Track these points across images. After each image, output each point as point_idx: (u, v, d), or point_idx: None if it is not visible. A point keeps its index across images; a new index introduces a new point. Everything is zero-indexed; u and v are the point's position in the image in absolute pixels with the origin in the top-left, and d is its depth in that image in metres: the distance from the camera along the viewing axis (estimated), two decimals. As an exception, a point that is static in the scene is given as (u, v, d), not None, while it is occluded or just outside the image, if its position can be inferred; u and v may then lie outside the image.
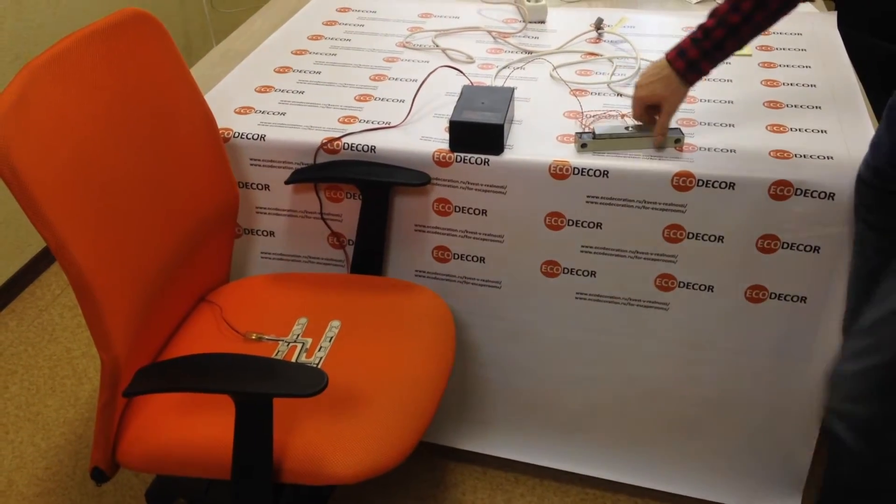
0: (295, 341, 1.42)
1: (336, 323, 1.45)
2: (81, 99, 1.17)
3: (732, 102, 1.59)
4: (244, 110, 1.62)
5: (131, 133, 1.26)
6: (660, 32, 1.90)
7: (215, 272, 1.55)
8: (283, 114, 1.60)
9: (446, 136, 1.49)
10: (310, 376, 1.13)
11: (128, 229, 1.22)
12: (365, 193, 1.53)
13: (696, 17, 1.99)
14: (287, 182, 1.52)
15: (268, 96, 1.67)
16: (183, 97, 1.39)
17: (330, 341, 1.41)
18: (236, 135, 1.54)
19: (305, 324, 1.46)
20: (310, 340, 1.42)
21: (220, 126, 1.54)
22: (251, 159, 1.55)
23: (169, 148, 1.34)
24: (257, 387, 1.13)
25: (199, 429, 1.26)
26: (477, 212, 1.51)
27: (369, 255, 1.58)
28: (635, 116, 1.44)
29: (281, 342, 1.42)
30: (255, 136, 1.53)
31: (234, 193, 1.51)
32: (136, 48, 1.29)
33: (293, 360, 1.38)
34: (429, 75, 1.71)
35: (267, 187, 1.59)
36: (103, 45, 1.23)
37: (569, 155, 1.44)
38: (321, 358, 1.38)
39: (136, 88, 1.28)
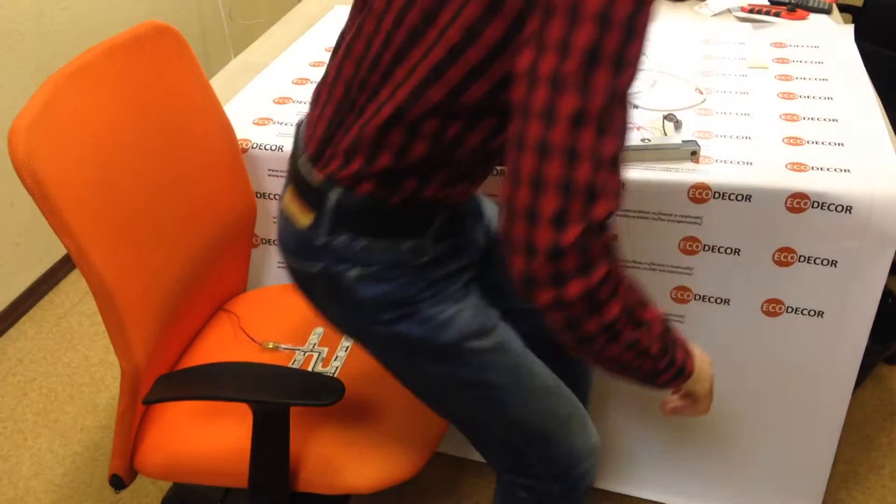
0: (311, 351, 1.43)
1: (353, 333, 1.46)
2: (104, 110, 1.19)
3: (749, 115, 1.59)
4: (262, 121, 1.63)
5: (152, 144, 1.27)
6: (676, 44, 1.90)
7: (233, 281, 1.57)
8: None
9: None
10: (327, 386, 1.13)
11: (149, 239, 1.23)
12: None
13: (713, 28, 1.99)
14: None
15: (286, 108, 1.68)
16: (203, 109, 1.40)
17: (346, 351, 1.42)
18: (255, 146, 1.55)
19: (322, 333, 1.46)
20: (326, 350, 1.43)
21: (238, 137, 1.55)
22: (269, 170, 1.57)
23: (189, 159, 1.35)
24: (274, 395, 1.13)
25: (216, 437, 1.27)
26: (493, 223, 1.51)
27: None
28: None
29: (297, 352, 1.43)
30: (274, 147, 1.54)
31: (251, 204, 1.52)
32: (157, 60, 1.31)
33: (309, 369, 1.39)
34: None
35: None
36: (125, 57, 1.25)
37: (585, 167, 1.44)
38: (337, 367, 1.39)
39: (156, 100, 1.29)
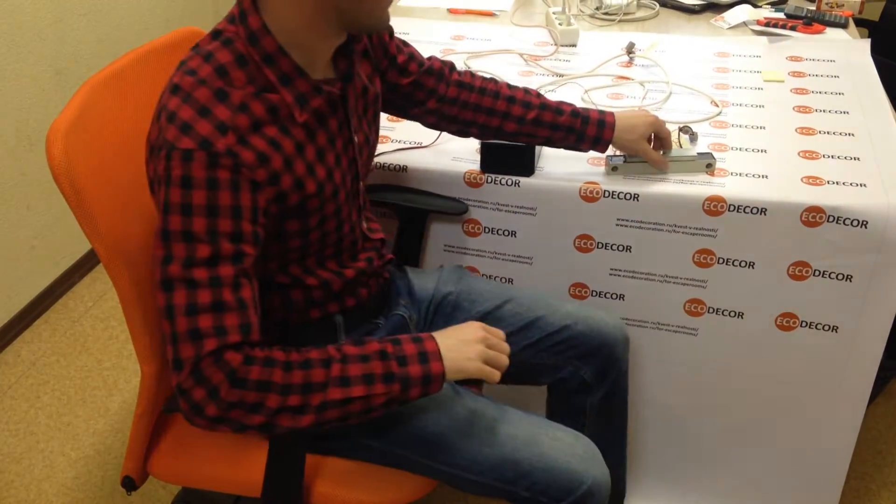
0: None
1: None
2: (138, 114, 1.20)
3: (764, 128, 1.58)
4: (278, 129, 1.64)
5: None
6: (691, 57, 1.90)
7: None
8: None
9: (477, 157, 1.50)
10: None
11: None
12: (402, 218, 1.54)
13: (729, 42, 1.99)
14: None
15: (302, 115, 1.69)
16: None
17: None
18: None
19: None
20: None
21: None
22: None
23: None
24: None
25: (232, 445, 1.27)
26: (506, 233, 1.51)
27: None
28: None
29: None
30: (289, 155, 1.55)
31: None
32: None
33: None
34: (461, 97, 1.72)
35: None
36: (160, 63, 1.26)
37: (599, 178, 1.44)
38: None
39: None
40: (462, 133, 1.43)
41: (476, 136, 1.43)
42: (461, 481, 1.19)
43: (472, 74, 1.41)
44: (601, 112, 1.40)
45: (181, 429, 1.31)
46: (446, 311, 1.38)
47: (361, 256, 1.25)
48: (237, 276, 0.98)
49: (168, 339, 0.97)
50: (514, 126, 1.39)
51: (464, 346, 1.08)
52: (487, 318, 1.36)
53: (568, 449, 1.17)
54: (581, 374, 1.36)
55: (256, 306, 1.01)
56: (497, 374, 1.09)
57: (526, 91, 1.40)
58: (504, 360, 1.10)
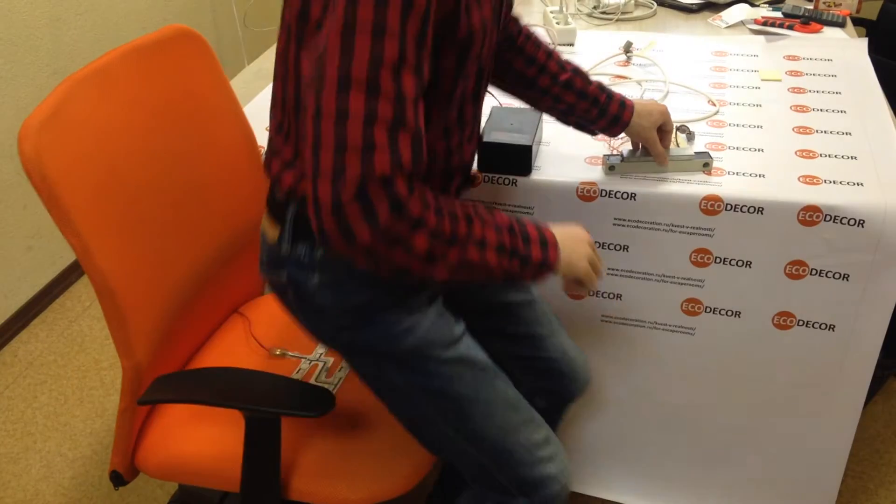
0: (317, 360, 1.43)
1: (360, 343, 1.46)
2: (120, 112, 1.20)
3: (762, 127, 1.58)
4: (275, 128, 1.64)
5: (170, 147, 1.28)
6: (689, 56, 1.90)
7: (249, 285, 1.57)
8: (314, 132, 1.62)
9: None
10: (317, 397, 1.14)
11: (158, 240, 1.24)
12: None
13: (726, 41, 1.99)
14: None
15: (299, 114, 1.69)
16: (224, 113, 1.41)
17: None
18: (267, 152, 1.56)
19: None
20: (331, 360, 1.43)
21: (251, 143, 1.56)
22: (281, 176, 1.57)
23: (207, 162, 1.36)
24: (265, 404, 1.14)
25: (213, 440, 1.27)
26: (504, 232, 1.51)
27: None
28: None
29: (303, 360, 1.43)
30: (286, 154, 1.55)
31: None
32: (179, 64, 1.32)
33: (313, 378, 1.39)
34: (458, 96, 1.72)
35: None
36: (146, 60, 1.26)
37: (596, 177, 1.44)
38: (340, 378, 1.39)
39: (177, 103, 1.30)
40: (497, 78, 1.37)
41: (507, 85, 1.37)
42: (448, 443, 1.18)
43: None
44: (622, 95, 1.39)
45: (168, 423, 1.31)
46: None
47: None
48: (417, 97, 0.90)
49: (327, 147, 0.87)
50: (547, 81, 1.34)
51: (576, 243, 1.08)
52: (510, 307, 1.35)
53: (554, 455, 1.21)
54: (533, 401, 1.34)
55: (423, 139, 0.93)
56: (597, 281, 1.09)
57: (559, 55, 1.37)
58: (602, 269, 1.09)
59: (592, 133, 1.43)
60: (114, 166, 1.17)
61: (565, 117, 1.39)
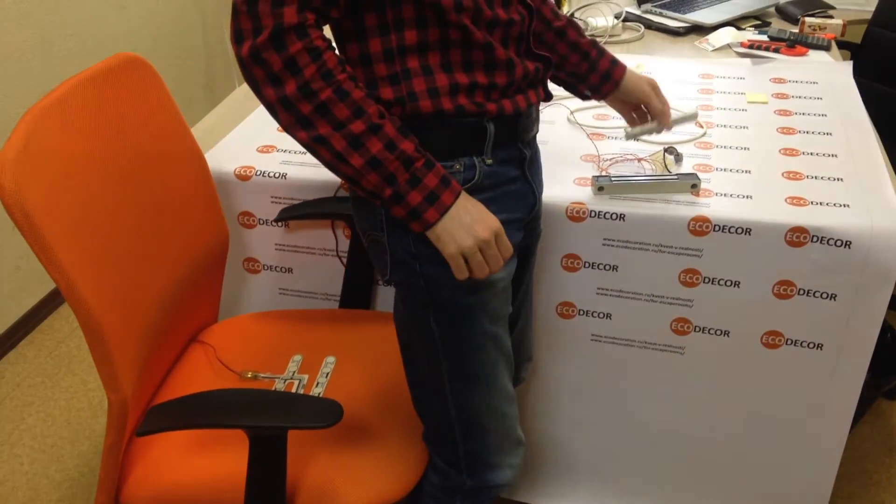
0: (291, 378, 1.42)
1: (331, 359, 1.46)
2: (83, 142, 1.18)
3: (749, 149, 1.60)
4: (266, 149, 1.64)
5: (128, 176, 1.26)
6: (676, 79, 1.92)
7: (206, 312, 1.55)
8: (305, 153, 1.63)
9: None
10: (325, 408, 1.13)
11: (130, 270, 1.22)
12: (354, 230, 1.55)
13: (712, 64, 2.02)
14: (277, 219, 1.55)
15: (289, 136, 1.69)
16: (173, 139, 1.39)
17: (326, 377, 1.42)
18: (258, 173, 1.56)
19: (300, 361, 1.46)
20: (306, 377, 1.42)
21: (242, 164, 1.57)
22: (272, 197, 1.58)
23: (162, 190, 1.34)
24: (274, 420, 1.13)
25: (207, 467, 1.26)
26: (494, 253, 1.52)
27: (359, 288, 1.61)
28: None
29: (277, 380, 1.42)
30: (277, 175, 1.56)
31: (224, 233, 1.50)
32: (127, 92, 1.30)
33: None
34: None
35: (286, 224, 1.61)
36: (97, 89, 1.24)
37: (586, 198, 1.45)
38: (319, 394, 1.38)
39: (129, 131, 1.29)
40: None
41: None
42: (438, 403, 1.21)
43: None
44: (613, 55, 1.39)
45: (154, 456, 1.28)
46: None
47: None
48: None
49: None
50: (540, 27, 1.32)
51: (475, 222, 1.04)
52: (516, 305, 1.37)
53: (516, 452, 1.27)
54: None
55: None
56: (466, 273, 1.05)
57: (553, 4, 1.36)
58: (485, 270, 1.06)
59: (583, 96, 1.40)
60: (83, 197, 1.15)
61: (556, 72, 1.37)
